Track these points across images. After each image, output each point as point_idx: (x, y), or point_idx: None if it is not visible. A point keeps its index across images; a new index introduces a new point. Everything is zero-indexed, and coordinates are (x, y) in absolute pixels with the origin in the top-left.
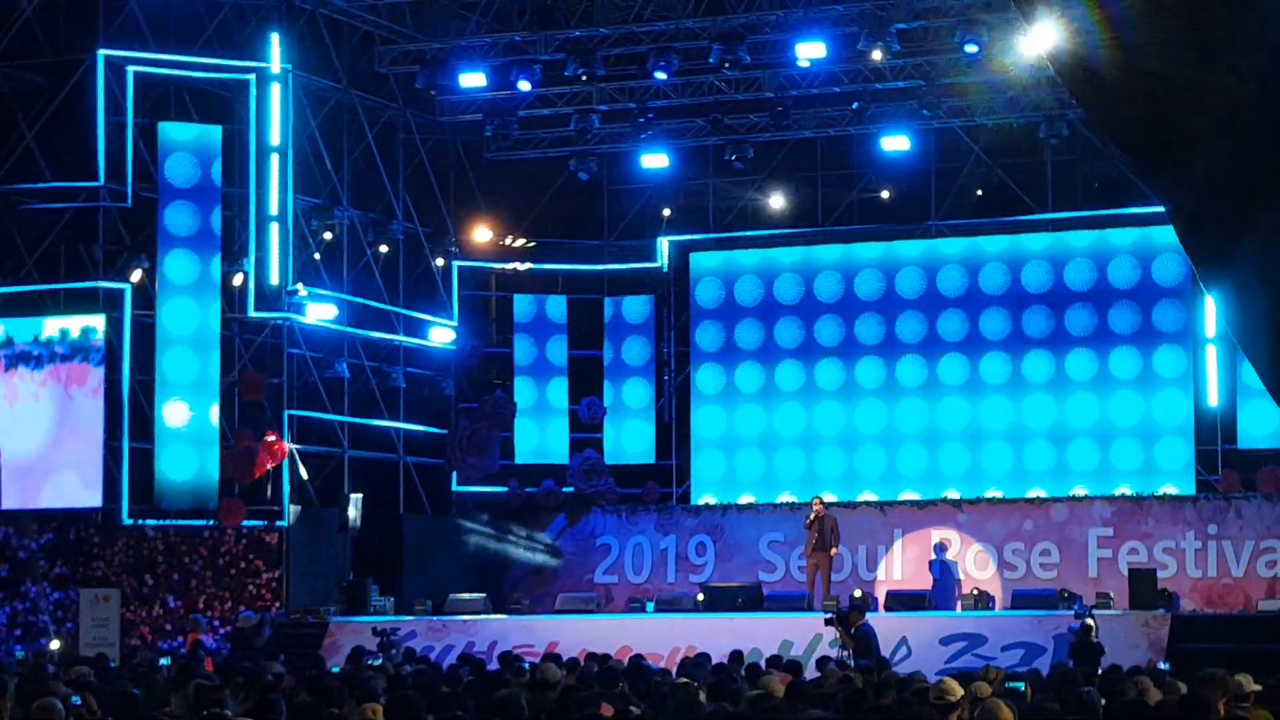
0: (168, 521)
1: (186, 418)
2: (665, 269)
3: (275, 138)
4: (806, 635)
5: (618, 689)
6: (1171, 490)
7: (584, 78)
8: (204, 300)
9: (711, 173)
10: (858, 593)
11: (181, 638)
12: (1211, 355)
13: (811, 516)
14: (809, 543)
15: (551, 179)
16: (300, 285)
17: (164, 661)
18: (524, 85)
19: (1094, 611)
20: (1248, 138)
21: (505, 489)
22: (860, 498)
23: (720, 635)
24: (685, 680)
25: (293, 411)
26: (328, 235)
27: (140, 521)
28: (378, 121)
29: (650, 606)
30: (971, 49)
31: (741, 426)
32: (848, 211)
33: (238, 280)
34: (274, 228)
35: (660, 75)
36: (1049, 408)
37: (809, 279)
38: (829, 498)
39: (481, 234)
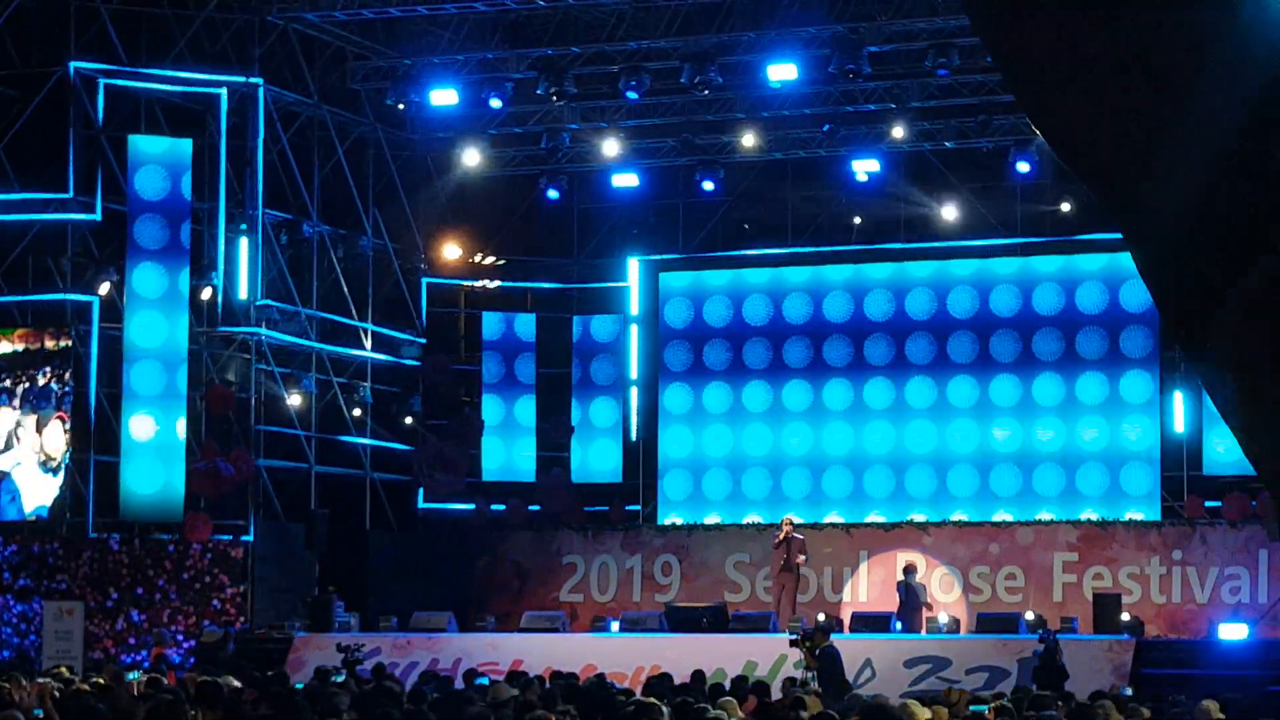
0: (133, 535)
1: (153, 431)
2: (634, 288)
3: (245, 152)
4: (771, 656)
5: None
6: (1137, 516)
7: (555, 97)
8: (172, 314)
9: (681, 193)
10: (822, 615)
11: (145, 651)
12: (1178, 381)
13: (780, 536)
14: (776, 563)
15: (522, 197)
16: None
17: (133, 676)
18: (495, 103)
19: (1058, 636)
20: (1210, 179)
21: (472, 506)
22: (827, 520)
23: (685, 655)
24: (651, 700)
25: (260, 426)
26: (297, 250)
27: (105, 535)
28: (348, 137)
29: (615, 625)
30: (943, 73)
31: (709, 447)
32: (817, 233)
33: (206, 294)
34: (243, 242)
35: (632, 95)
36: (1016, 432)
37: (778, 300)
38: (797, 520)
39: (451, 251)
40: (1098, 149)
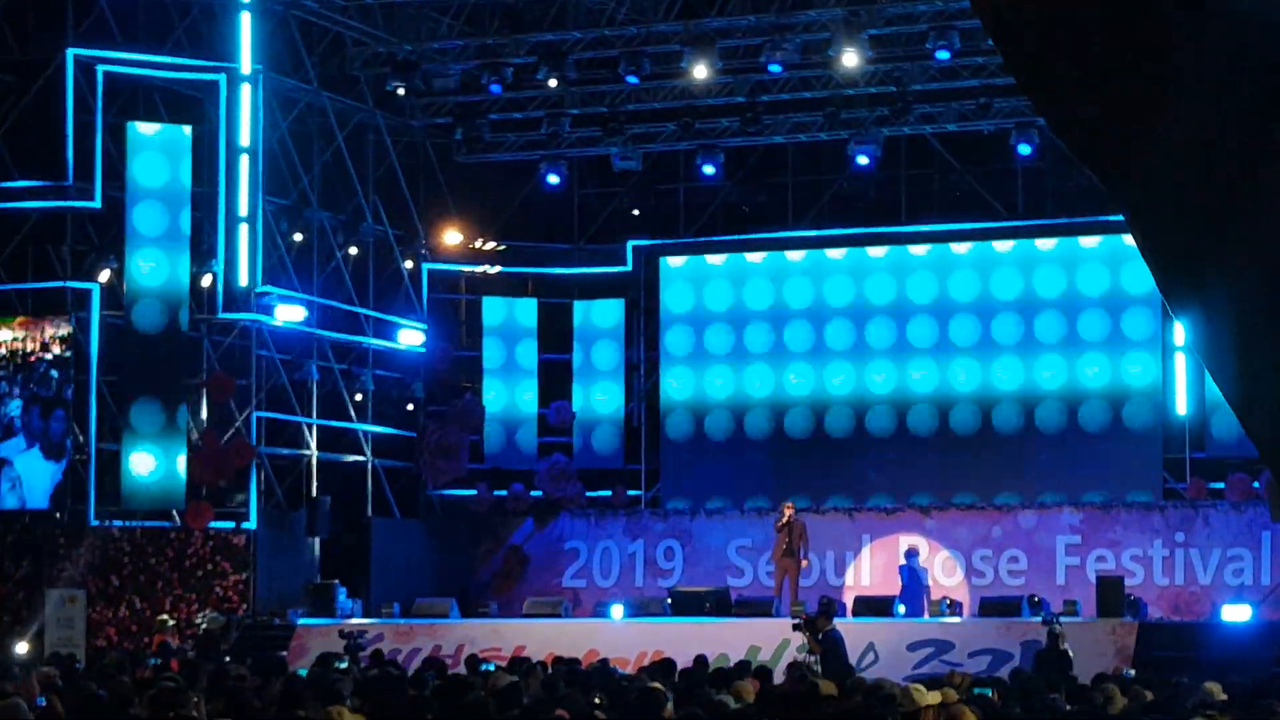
0: (134, 522)
1: (154, 419)
2: (635, 273)
3: (245, 138)
4: (774, 640)
5: (591, 697)
6: (1140, 498)
7: (555, 82)
8: (172, 301)
9: (682, 177)
10: (825, 599)
11: (147, 639)
12: (1180, 363)
13: (782, 520)
14: (778, 547)
15: (522, 182)
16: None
17: (154, 660)
18: (495, 88)
19: (1061, 619)
20: (1209, 151)
21: (474, 492)
22: (829, 503)
23: (688, 640)
24: (656, 685)
25: (261, 413)
26: (298, 237)
27: (107, 522)
28: (348, 123)
29: (617, 610)
30: (943, 55)
31: (710, 431)
32: (818, 217)
33: (206, 281)
34: (243, 229)
35: (632, 79)
36: (1018, 414)
37: (779, 284)
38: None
39: (451, 237)
40: (1096, 127)
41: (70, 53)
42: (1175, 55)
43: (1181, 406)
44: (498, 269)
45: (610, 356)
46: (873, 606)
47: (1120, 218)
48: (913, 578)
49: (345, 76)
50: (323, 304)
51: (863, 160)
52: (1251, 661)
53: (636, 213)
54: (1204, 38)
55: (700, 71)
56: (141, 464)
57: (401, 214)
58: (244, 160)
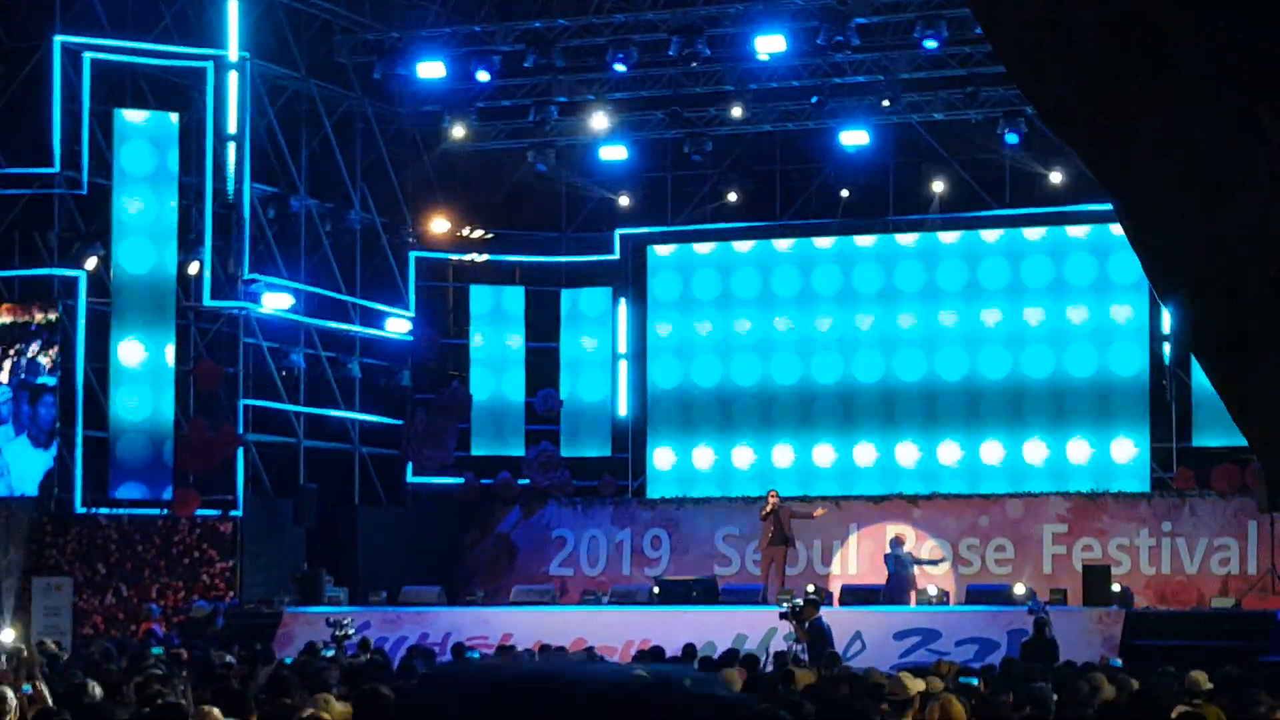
0: (121, 510)
1: (140, 406)
2: (623, 262)
3: (232, 126)
4: (761, 629)
5: None
6: (1127, 487)
7: (543, 70)
8: (159, 289)
9: (670, 166)
10: (811, 587)
11: (134, 627)
12: (1168, 352)
13: (766, 509)
14: (764, 536)
15: (510, 170)
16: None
17: (156, 650)
18: (483, 76)
19: (1048, 608)
20: (1203, 144)
21: (461, 480)
22: (816, 492)
23: (675, 629)
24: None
25: (248, 401)
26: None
27: (94, 510)
28: (336, 111)
29: (605, 598)
30: (931, 44)
31: (698, 420)
32: (806, 206)
33: (193, 269)
34: (230, 216)
35: (619, 67)
36: (1005, 403)
37: (766, 273)
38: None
39: (439, 225)
40: (1087, 116)
41: (57, 40)
42: (1174, 54)
43: (1168, 396)
44: (485, 257)
45: (598, 345)
46: (860, 595)
47: (1108, 207)
48: (899, 566)
49: (333, 64)
50: (310, 292)
51: (851, 149)
52: (1237, 651)
53: (625, 200)
54: (1202, 37)
55: (688, 60)
56: (128, 451)
57: (389, 202)
58: (231, 148)
